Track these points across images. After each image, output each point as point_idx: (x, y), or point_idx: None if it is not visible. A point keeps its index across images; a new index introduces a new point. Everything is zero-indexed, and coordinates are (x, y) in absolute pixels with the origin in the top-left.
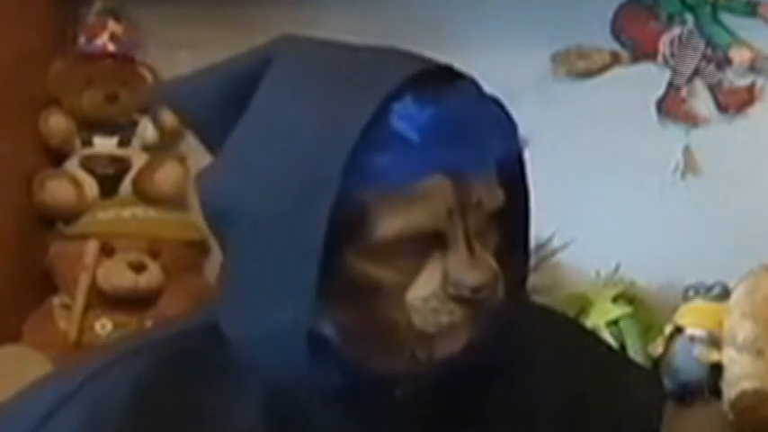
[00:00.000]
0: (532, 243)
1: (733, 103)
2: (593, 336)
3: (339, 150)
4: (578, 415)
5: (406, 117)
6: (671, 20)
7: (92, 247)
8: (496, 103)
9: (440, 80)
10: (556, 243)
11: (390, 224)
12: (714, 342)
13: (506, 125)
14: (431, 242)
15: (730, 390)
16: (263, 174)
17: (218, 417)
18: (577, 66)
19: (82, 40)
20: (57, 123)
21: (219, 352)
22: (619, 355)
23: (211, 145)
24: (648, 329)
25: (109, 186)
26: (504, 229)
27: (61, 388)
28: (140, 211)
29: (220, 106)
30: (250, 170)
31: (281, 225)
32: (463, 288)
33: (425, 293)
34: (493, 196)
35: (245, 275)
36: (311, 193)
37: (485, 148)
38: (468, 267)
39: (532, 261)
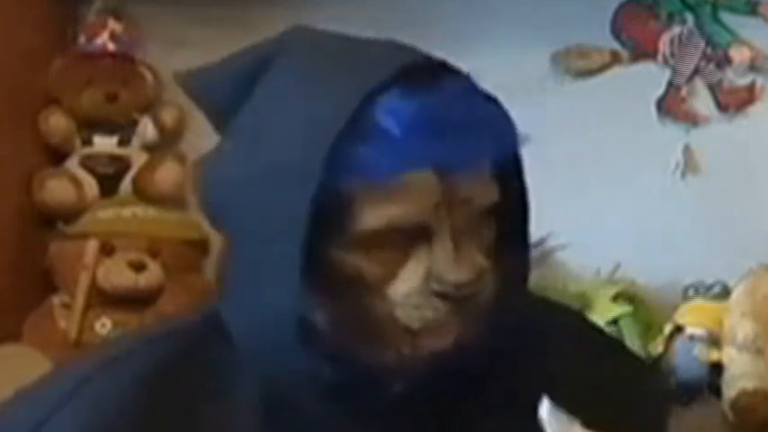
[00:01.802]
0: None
1: (733, 103)
2: (596, 326)
3: (321, 140)
4: (586, 402)
5: (391, 111)
6: (671, 19)
7: (92, 246)
8: (492, 100)
9: (432, 75)
10: (554, 243)
11: (373, 216)
12: (714, 341)
13: (501, 122)
14: (415, 236)
15: (730, 389)
16: (255, 164)
17: (216, 413)
18: (577, 65)
19: (82, 39)
20: (57, 122)
21: (218, 346)
22: (621, 344)
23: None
24: (648, 328)
25: (109, 185)
26: (502, 226)
27: (53, 394)
28: (140, 210)
29: (233, 94)
30: (244, 160)
31: (267, 214)
32: (446, 284)
33: (407, 288)
34: (484, 192)
35: (240, 264)
36: (294, 182)
37: (474, 145)
38: (451, 263)
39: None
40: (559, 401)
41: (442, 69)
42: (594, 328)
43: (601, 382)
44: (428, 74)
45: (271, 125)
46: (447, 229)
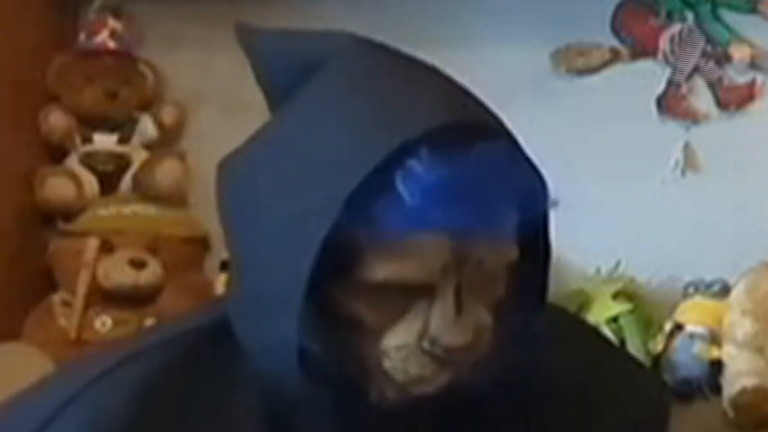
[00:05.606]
0: None
1: (733, 100)
2: (592, 329)
3: (342, 187)
4: (581, 409)
5: (410, 176)
6: (671, 17)
7: (92, 244)
8: (528, 162)
9: (465, 135)
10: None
11: (379, 269)
12: (714, 339)
13: (530, 187)
14: (419, 291)
15: (730, 387)
16: (280, 184)
17: (213, 425)
18: (577, 63)
19: (82, 37)
20: (57, 120)
21: (223, 350)
22: (618, 350)
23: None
24: (648, 326)
25: (109, 183)
26: (520, 274)
27: (59, 394)
28: (140, 208)
29: (292, 77)
30: (271, 176)
31: (279, 244)
32: (438, 347)
33: (399, 342)
34: (499, 254)
35: (246, 283)
36: (309, 220)
37: (494, 211)
38: (449, 326)
39: None
40: (558, 406)
41: (480, 129)
42: (590, 330)
43: (597, 386)
44: (462, 133)
45: (302, 146)
46: (451, 291)
